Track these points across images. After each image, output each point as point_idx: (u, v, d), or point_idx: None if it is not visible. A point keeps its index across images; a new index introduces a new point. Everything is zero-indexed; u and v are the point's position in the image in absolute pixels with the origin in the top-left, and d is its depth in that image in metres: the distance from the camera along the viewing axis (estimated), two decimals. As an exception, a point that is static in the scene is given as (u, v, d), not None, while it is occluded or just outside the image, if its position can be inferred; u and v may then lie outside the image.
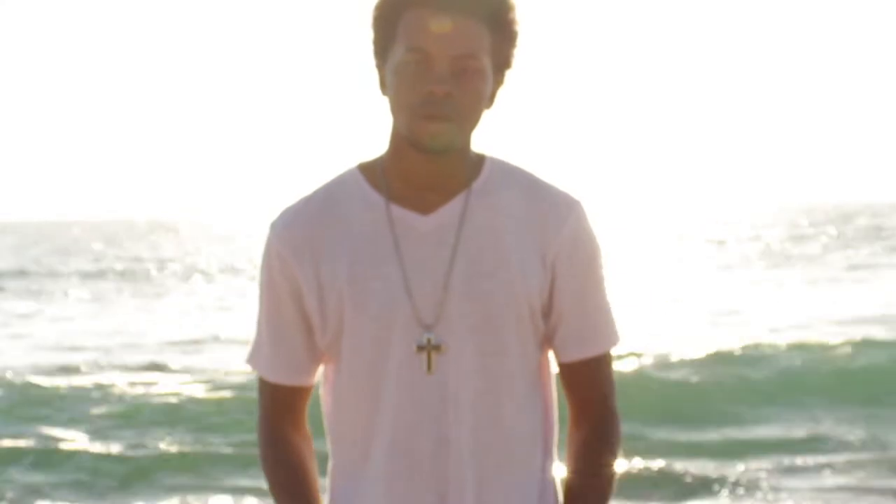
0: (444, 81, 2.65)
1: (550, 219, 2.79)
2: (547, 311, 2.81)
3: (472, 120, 2.71)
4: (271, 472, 2.85)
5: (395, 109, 2.70)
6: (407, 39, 2.67)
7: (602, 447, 2.81)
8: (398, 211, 2.77)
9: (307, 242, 2.78)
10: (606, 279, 2.86)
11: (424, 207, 2.77)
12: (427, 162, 2.74)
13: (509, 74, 2.77)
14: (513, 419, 2.78)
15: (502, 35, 2.71)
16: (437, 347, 2.74)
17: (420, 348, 2.74)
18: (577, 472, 2.80)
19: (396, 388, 2.76)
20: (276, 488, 2.83)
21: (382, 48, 2.73)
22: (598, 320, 2.83)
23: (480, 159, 2.83)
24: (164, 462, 13.02)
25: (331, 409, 2.85)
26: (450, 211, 2.77)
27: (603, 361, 2.85)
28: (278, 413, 2.88)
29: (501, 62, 2.74)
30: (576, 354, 2.83)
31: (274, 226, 2.82)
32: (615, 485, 2.81)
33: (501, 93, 2.77)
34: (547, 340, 2.84)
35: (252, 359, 2.90)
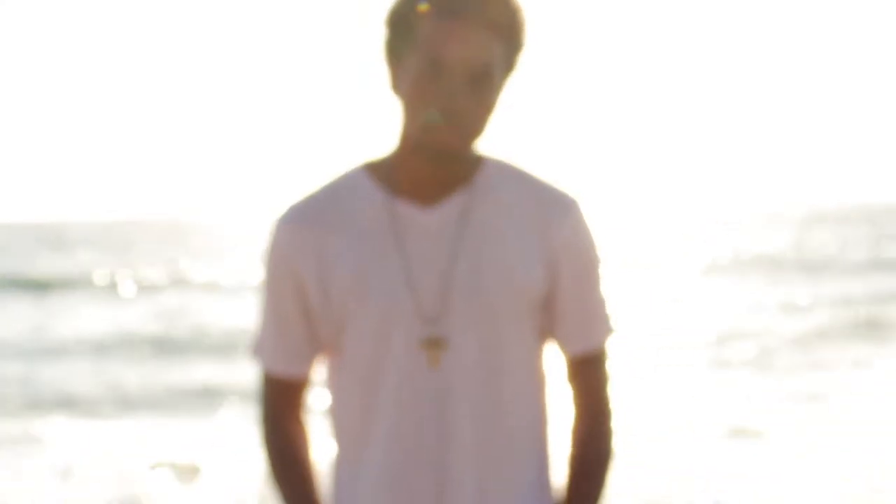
0: (460, 97, 2.69)
1: (549, 217, 2.84)
2: (546, 307, 2.87)
3: (481, 130, 2.74)
4: (273, 466, 2.89)
5: (408, 116, 2.73)
6: (424, 49, 2.69)
7: (597, 440, 2.87)
8: (401, 205, 2.81)
9: (311, 237, 2.82)
10: (603, 274, 2.91)
11: (427, 202, 2.82)
12: (433, 167, 2.77)
13: (512, 77, 2.81)
14: (513, 412, 2.83)
15: (513, 45, 2.75)
16: (439, 342, 2.78)
17: (423, 343, 2.78)
18: (574, 466, 2.87)
19: (398, 383, 2.79)
20: (278, 482, 2.88)
21: (396, 49, 2.75)
22: (596, 315, 2.89)
23: (479, 158, 2.88)
24: None
25: (333, 402, 2.89)
26: (452, 205, 2.81)
27: (600, 355, 2.91)
28: (279, 406, 2.91)
29: (508, 69, 2.78)
30: (575, 348, 2.88)
31: (279, 221, 2.85)
32: (610, 472, 2.88)
33: (503, 97, 2.79)
34: (545, 334, 2.90)
35: (255, 351, 2.94)
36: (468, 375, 2.79)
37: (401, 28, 2.74)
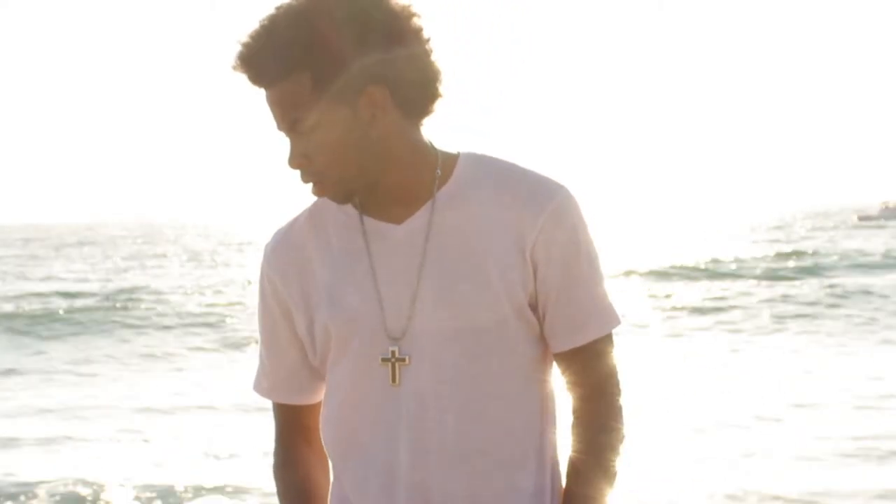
0: (293, 154, 2.69)
1: (528, 207, 2.73)
2: (535, 303, 2.76)
3: (346, 161, 2.69)
4: (281, 492, 2.89)
5: None
6: None
7: (600, 442, 2.76)
8: (371, 223, 2.77)
9: (294, 264, 2.82)
10: (598, 264, 2.78)
11: (395, 217, 2.76)
12: (370, 191, 2.74)
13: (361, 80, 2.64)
14: (502, 421, 2.75)
15: (323, 64, 2.63)
16: (401, 360, 2.73)
17: (384, 360, 2.74)
18: (574, 471, 2.77)
19: (375, 401, 2.76)
20: None
21: None
22: (588, 307, 2.76)
23: (453, 160, 2.79)
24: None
25: (321, 421, 2.87)
26: (419, 219, 2.75)
27: (597, 349, 2.77)
28: (290, 432, 2.91)
29: (349, 77, 2.64)
30: (565, 344, 2.77)
31: (265, 249, 2.86)
32: (615, 475, 2.76)
33: (367, 106, 2.66)
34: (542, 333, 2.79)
35: (258, 385, 2.93)
36: (445, 389, 2.73)
37: None
